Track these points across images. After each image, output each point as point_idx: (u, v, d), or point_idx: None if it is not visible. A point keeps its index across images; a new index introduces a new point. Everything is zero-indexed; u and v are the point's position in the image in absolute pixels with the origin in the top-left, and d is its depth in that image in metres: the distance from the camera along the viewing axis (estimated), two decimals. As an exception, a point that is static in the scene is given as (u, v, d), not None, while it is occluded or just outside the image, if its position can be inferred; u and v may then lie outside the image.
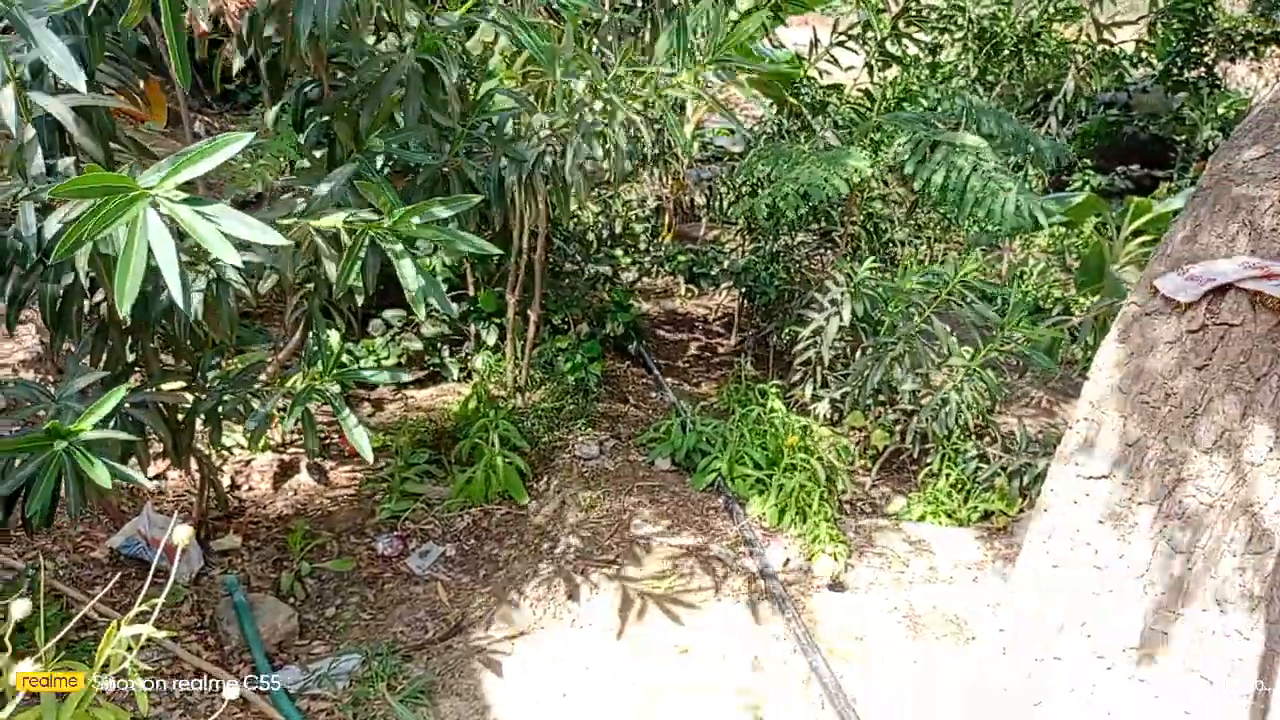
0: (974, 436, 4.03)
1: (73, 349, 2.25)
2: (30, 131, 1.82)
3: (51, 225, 1.81)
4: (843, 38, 4.95)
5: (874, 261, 3.93)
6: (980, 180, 3.80)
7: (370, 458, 2.31)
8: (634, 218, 5.97)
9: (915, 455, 4.06)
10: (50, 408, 1.96)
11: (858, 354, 4.09)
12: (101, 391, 2.12)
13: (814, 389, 4.22)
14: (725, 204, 6.19)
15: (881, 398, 4.10)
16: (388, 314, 4.60)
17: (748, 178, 4.90)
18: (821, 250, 5.73)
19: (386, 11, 2.21)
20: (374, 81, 2.29)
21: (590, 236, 5.51)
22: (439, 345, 4.71)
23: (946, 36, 5.70)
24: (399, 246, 1.87)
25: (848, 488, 3.86)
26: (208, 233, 1.52)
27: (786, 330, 4.78)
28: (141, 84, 2.31)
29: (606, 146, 2.68)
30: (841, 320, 3.86)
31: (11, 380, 3.43)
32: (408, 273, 1.88)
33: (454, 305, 4.74)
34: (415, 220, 1.87)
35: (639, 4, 4.01)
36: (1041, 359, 3.63)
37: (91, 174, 1.47)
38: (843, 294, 3.89)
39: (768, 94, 5.97)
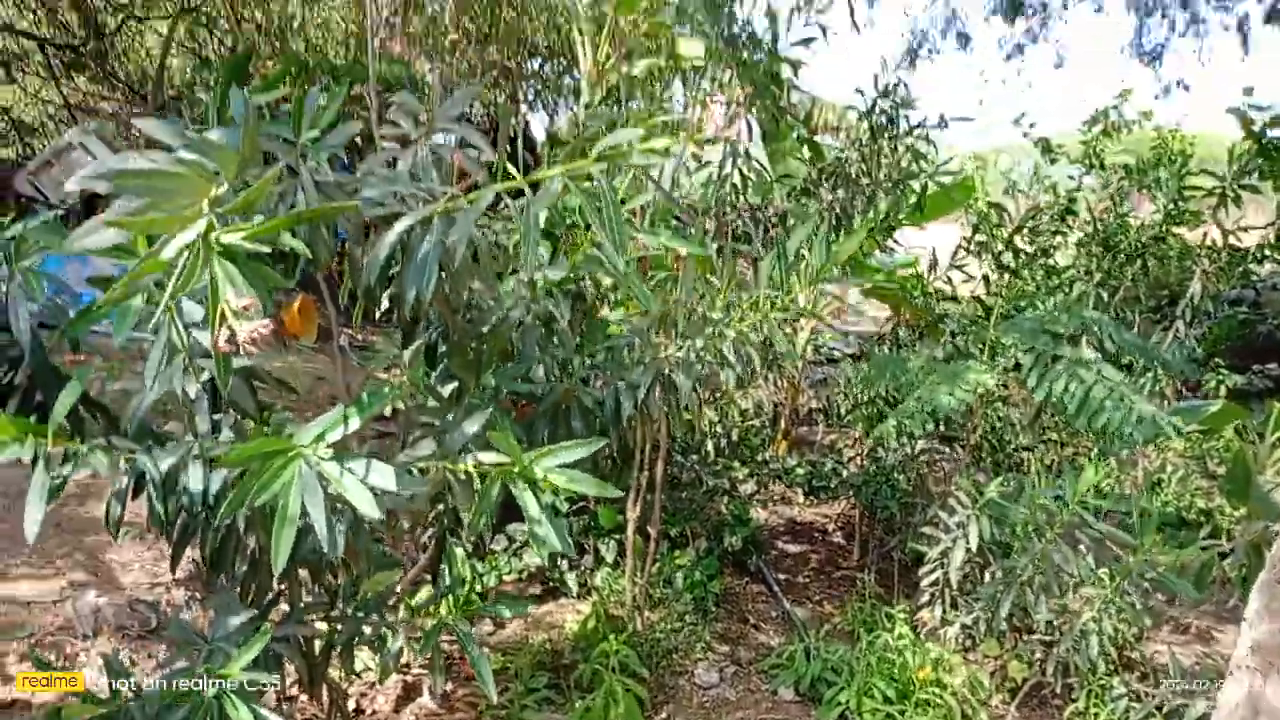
0: (1122, 669, 3.75)
1: (225, 585, 2.38)
2: (197, 391, 2.03)
3: (217, 479, 1.98)
4: (963, 251, 5.09)
5: (1001, 482, 3.83)
6: (1104, 392, 3.72)
7: (494, 696, 2.33)
8: (750, 428, 6.02)
9: (1058, 689, 3.78)
10: (203, 649, 2.07)
11: (986, 575, 3.93)
12: (250, 628, 2.25)
13: (943, 613, 4.04)
14: (842, 410, 6.21)
15: (1016, 624, 3.89)
16: (510, 528, 4.71)
17: (865, 389, 4.94)
18: (943, 459, 5.63)
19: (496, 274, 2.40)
20: (494, 325, 2.47)
21: (708, 446, 5.57)
22: (559, 560, 4.76)
23: (1060, 238, 5.76)
24: (528, 493, 1.96)
25: (985, 725, 3.61)
26: (354, 489, 1.64)
27: (910, 548, 4.64)
28: (296, 305, 2.57)
29: (718, 368, 2.79)
30: (969, 543, 3.74)
31: (169, 612, 3.64)
32: (534, 516, 1.96)
33: (573, 523, 4.83)
34: (543, 465, 1.96)
35: (752, 231, 4.25)
36: (1184, 587, 3.40)
37: (254, 441, 1.63)
38: (969, 515, 3.78)
39: (884, 300, 6.10)
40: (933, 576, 3.99)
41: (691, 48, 5.12)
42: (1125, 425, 3.63)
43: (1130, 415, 3.65)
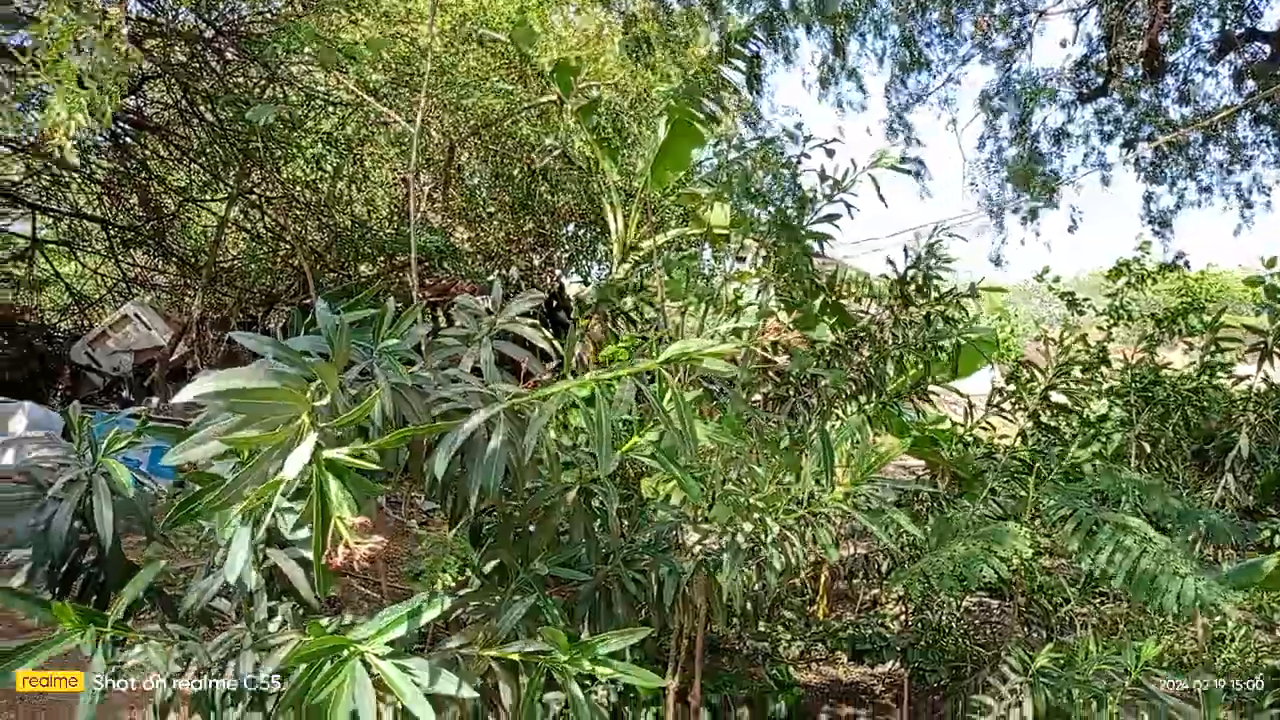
0: None
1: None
2: (257, 580, 2.08)
3: (265, 670, 2.01)
4: (994, 408, 5.12)
5: (1053, 648, 3.73)
6: (1152, 563, 3.66)
7: None
8: (790, 590, 5.93)
9: None
10: None
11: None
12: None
13: (1004, 786, 3.85)
14: (882, 568, 6.10)
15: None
16: (547, 696, 4.60)
17: (903, 544, 4.87)
18: (991, 619, 5.48)
19: (549, 467, 2.46)
20: (541, 511, 2.51)
21: (749, 608, 5.47)
22: (597, 731, 4.63)
23: (1094, 387, 5.76)
24: (573, 683, 1.96)
25: None
26: (408, 690, 1.66)
27: (963, 714, 4.47)
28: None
29: (761, 560, 2.79)
30: (1023, 713, 3.61)
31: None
32: (579, 705, 1.95)
33: (609, 692, 4.72)
34: (590, 655, 1.97)
35: (789, 397, 4.31)
36: (1261, 764, 3.25)
37: (314, 640, 1.66)
38: (1021, 684, 3.66)
39: (918, 456, 6.08)
40: (988, 749, 3.83)
41: (719, 218, 5.35)
42: (1174, 599, 3.55)
43: (1181, 590, 3.57)
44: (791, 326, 4.15)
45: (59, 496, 2.17)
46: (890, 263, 4.86)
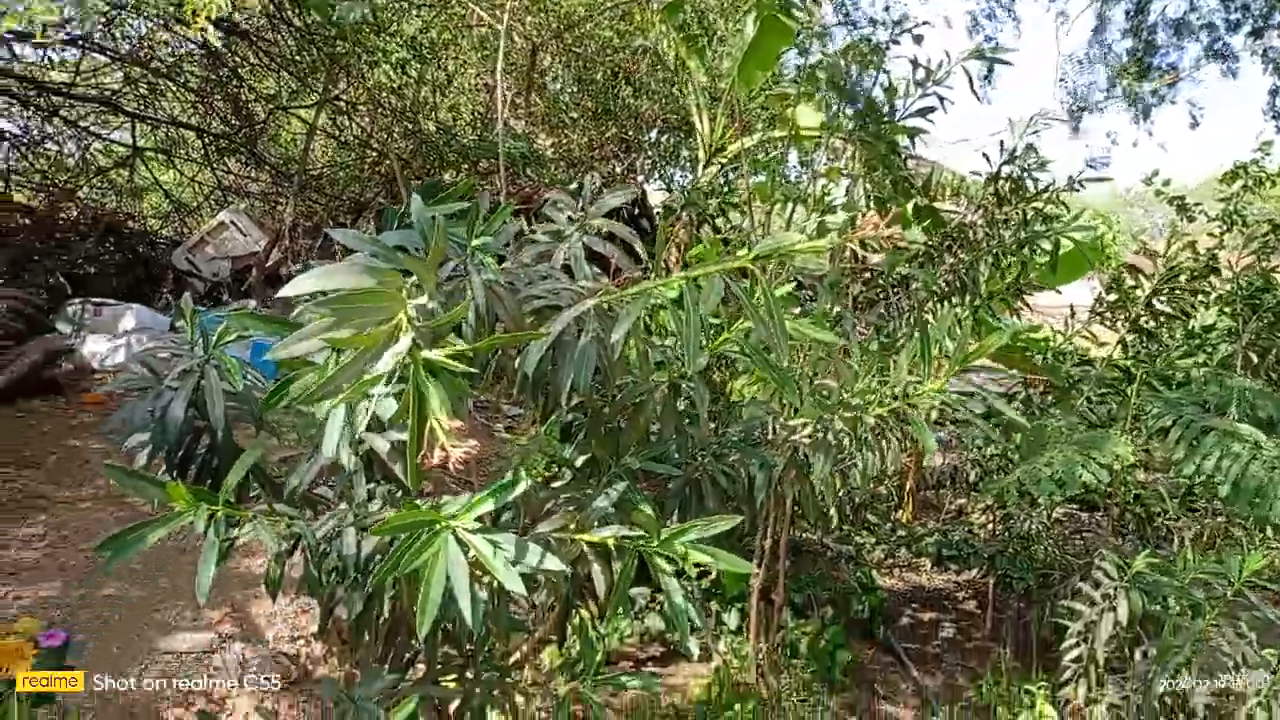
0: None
1: (368, 644, 2.48)
2: (356, 462, 2.14)
3: (368, 545, 2.09)
4: (1095, 315, 4.92)
5: (1149, 554, 3.64)
6: (1263, 469, 3.50)
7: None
8: (876, 495, 5.90)
9: (1221, 780, 3.52)
10: (349, 709, 2.16)
11: (1137, 654, 3.71)
12: (391, 689, 2.33)
13: (1088, 691, 3.83)
14: (971, 476, 6.01)
15: (1170, 706, 3.65)
16: (633, 591, 4.72)
17: (994, 451, 4.78)
18: (1083, 529, 5.38)
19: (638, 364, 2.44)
20: (631, 408, 2.51)
21: (832, 512, 5.48)
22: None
23: (1201, 298, 5.49)
24: (665, 566, 1.98)
25: (1139, 816, 3.39)
26: (498, 562, 1.70)
27: (1048, 620, 4.44)
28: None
29: (854, 455, 2.75)
30: (1117, 617, 3.55)
31: (308, 665, 3.80)
32: (673, 592, 1.98)
33: (696, 588, 4.81)
34: (682, 541, 1.99)
35: (880, 299, 4.21)
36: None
37: (407, 511, 1.70)
38: (1116, 588, 3.60)
39: (1010, 364, 5.91)
40: (1076, 652, 3.79)
41: (809, 119, 5.16)
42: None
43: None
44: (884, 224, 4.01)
45: (173, 386, 2.25)
46: (985, 157, 4.62)
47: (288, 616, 4.09)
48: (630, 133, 13.92)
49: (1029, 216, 4.62)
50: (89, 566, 4.16)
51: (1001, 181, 4.67)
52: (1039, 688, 3.92)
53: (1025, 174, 4.59)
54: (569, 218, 2.43)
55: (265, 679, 3.60)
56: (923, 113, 4.26)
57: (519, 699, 2.65)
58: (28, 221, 9.66)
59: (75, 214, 10.57)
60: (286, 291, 1.48)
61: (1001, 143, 4.62)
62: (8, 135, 10.58)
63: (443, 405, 1.43)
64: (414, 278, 1.59)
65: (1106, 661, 3.78)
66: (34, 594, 3.84)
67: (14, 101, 10.53)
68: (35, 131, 11.38)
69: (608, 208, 2.42)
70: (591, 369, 2.09)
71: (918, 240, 5.03)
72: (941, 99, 4.21)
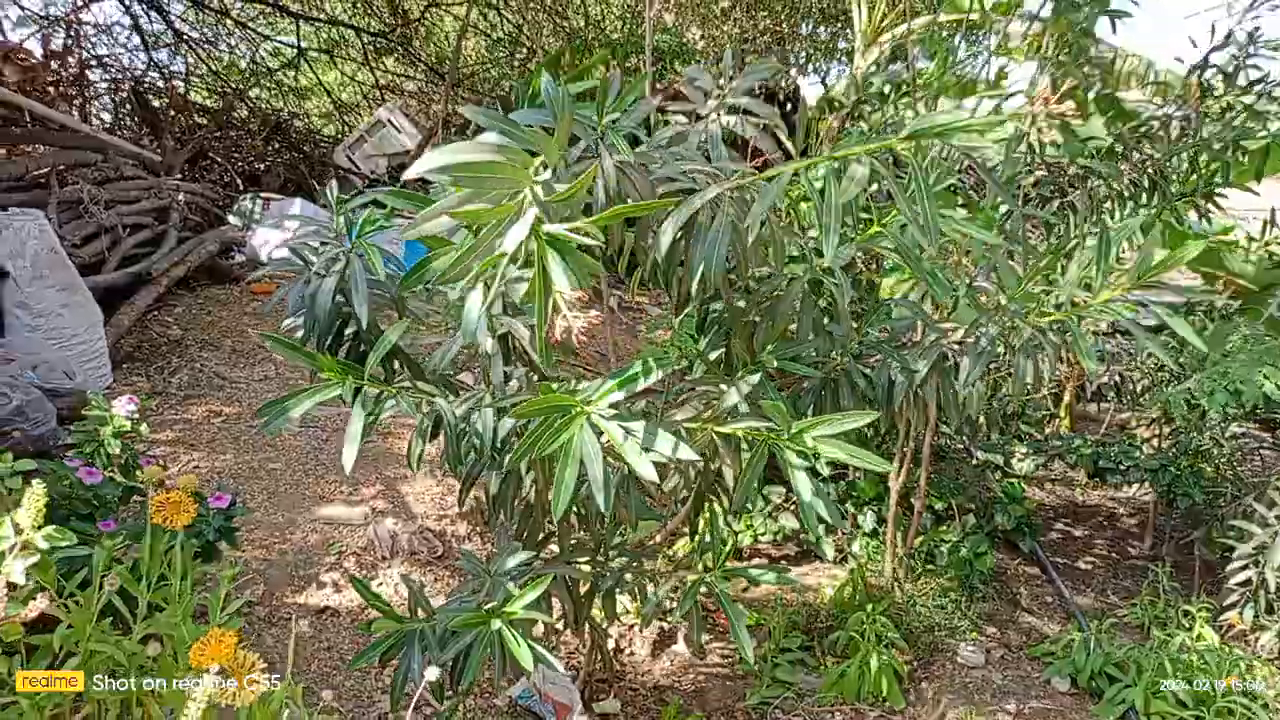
0: None
1: (505, 523, 2.56)
2: (493, 346, 2.17)
3: (504, 426, 2.13)
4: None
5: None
6: None
7: (750, 658, 2.34)
8: (1028, 403, 5.62)
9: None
10: (486, 582, 2.25)
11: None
12: (526, 566, 2.41)
13: (1256, 616, 3.60)
14: (1137, 388, 5.63)
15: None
16: (767, 490, 4.71)
17: (1165, 363, 4.44)
18: (1262, 446, 4.97)
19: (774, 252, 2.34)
20: (771, 300, 2.43)
21: (981, 419, 5.26)
22: (816, 525, 4.72)
23: None
24: (795, 459, 1.93)
25: (1302, 747, 3.19)
26: (630, 448, 1.69)
27: (1215, 541, 4.17)
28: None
29: (1005, 369, 2.59)
30: (1291, 542, 3.30)
31: (454, 542, 3.99)
32: (802, 486, 1.93)
33: (832, 489, 4.76)
34: (813, 435, 1.93)
35: (1054, 196, 3.90)
36: None
37: (544, 396, 1.71)
38: (1293, 512, 3.33)
39: (1195, 268, 5.44)
40: (1244, 575, 3.57)
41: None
42: None
43: None
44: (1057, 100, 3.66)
45: (320, 273, 2.33)
46: (1192, 42, 4.12)
47: (435, 496, 4.30)
48: (784, 24, 13.34)
49: (1235, 110, 4.12)
50: (260, 440, 4.47)
51: (1209, 69, 4.17)
52: (1199, 609, 3.70)
53: (1240, 63, 4.07)
54: (705, 95, 2.32)
55: (413, 552, 3.81)
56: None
57: (649, 585, 2.70)
58: (204, 121, 10.19)
59: (247, 114, 11.07)
60: (415, 169, 1.47)
61: (1214, 26, 4.11)
62: (185, 37, 11.08)
63: (567, 278, 1.40)
64: (543, 156, 1.55)
65: (1278, 587, 3.54)
66: (211, 464, 4.17)
67: (189, 4, 11.02)
68: (209, 33, 11.91)
69: (749, 85, 2.29)
70: (724, 255, 2.02)
71: (1098, 135, 4.61)
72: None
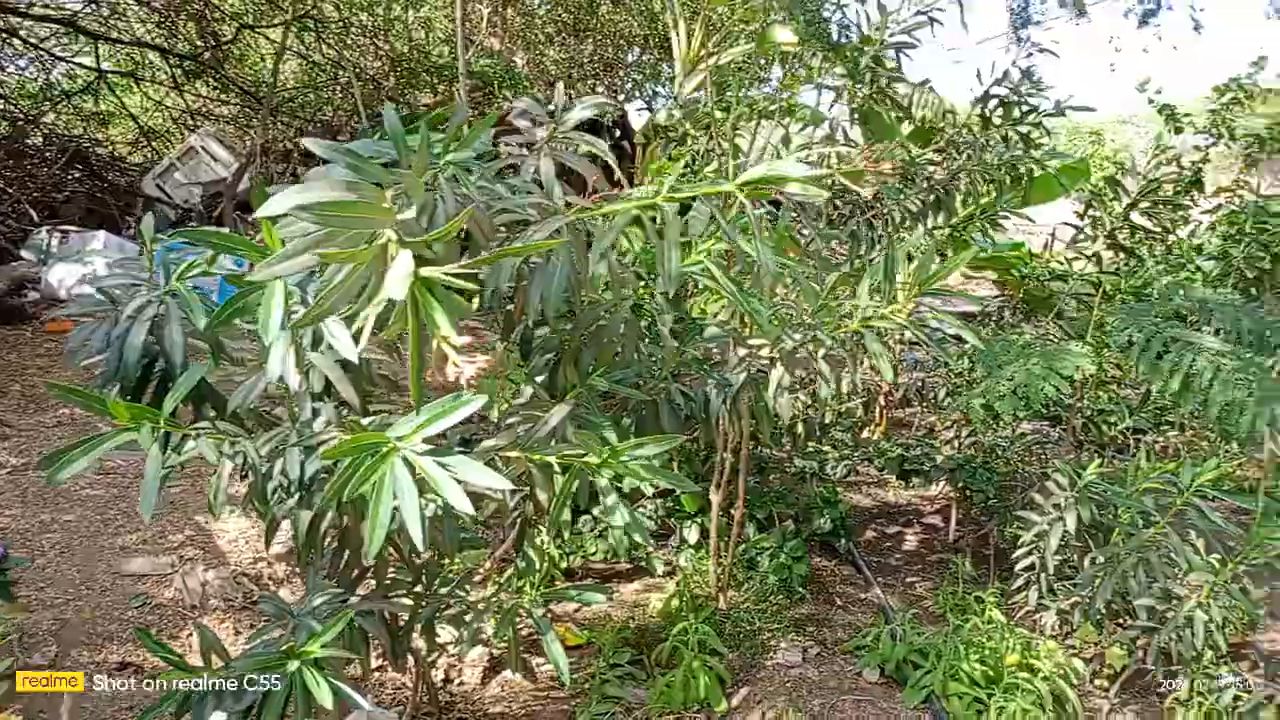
0: (1231, 659, 3.58)
1: (318, 563, 2.48)
2: (300, 383, 2.10)
3: (310, 466, 2.07)
4: (1077, 230, 4.90)
5: (1099, 465, 3.69)
6: (1223, 387, 3.53)
7: (567, 679, 2.37)
8: (842, 412, 5.93)
9: (1160, 677, 3.63)
10: (290, 624, 2.17)
11: (1086, 561, 3.80)
12: (336, 604, 2.34)
13: (1038, 598, 3.93)
14: (940, 393, 6.04)
15: (1116, 610, 3.75)
16: (596, 510, 4.75)
17: (961, 369, 4.80)
18: (1046, 442, 5.44)
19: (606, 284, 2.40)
20: (595, 327, 2.48)
21: (798, 429, 5.51)
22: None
23: (1182, 213, 5.43)
24: (605, 484, 1.98)
25: (1078, 712, 3.51)
26: (446, 484, 1.67)
27: (1007, 531, 4.53)
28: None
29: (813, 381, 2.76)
30: (1066, 527, 3.63)
31: (270, 586, 3.82)
32: (613, 510, 1.98)
33: (657, 506, 4.85)
34: (624, 459, 1.98)
35: (852, 215, 4.15)
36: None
37: (353, 437, 1.68)
38: (1066, 499, 3.66)
39: (991, 271, 5.90)
40: (1028, 560, 3.89)
41: (784, 35, 5.04)
42: (1245, 424, 3.43)
43: (1253, 418, 3.44)
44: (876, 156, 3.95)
45: (131, 316, 2.19)
46: (977, 77, 4.54)
47: (251, 539, 4.10)
48: (610, 51, 13.60)
49: (1010, 138, 4.57)
50: (51, 493, 4.14)
51: (990, 102, 4.60)
52: (990, 595, 4.01)
53: (1015, 97, 4.53)
54: (536, 124, 2.35)
55: (226, 599, 3.62)
56: (908, 30, 4.19)
57: (470, 612, 2.68)
58: (-8, 149, 9.39)
59: (42, 141, 10.26)
60: (263, 212, 1.42)
61: (994, 64, 4.56)
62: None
63: (450, 324, 1.39)
64: (392, 191, 1.53)
65: (1058, 569, 3.88)
66: (-6, 518, 3.83)
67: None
68: (-4, 55, 10.98)
69: (578, 118, 2.34)
70: (563, 287, 2.05)
71: (898, 157, 4.96)
72: (932, 19, 4.16)
